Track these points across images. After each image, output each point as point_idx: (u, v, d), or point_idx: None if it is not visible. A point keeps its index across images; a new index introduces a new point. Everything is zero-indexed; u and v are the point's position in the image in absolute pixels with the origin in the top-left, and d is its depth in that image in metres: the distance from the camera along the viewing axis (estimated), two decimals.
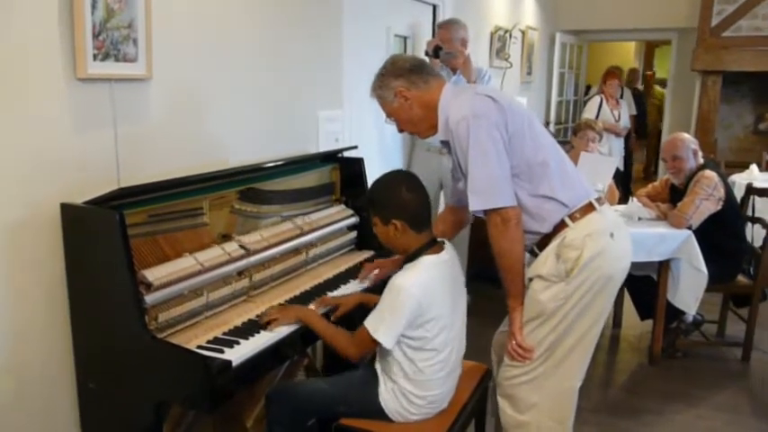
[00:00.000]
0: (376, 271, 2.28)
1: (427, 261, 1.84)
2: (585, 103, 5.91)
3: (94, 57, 1.74)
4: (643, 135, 7.18)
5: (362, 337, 1.81)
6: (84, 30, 1.69)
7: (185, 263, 1.84)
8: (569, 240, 1.88)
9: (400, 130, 2.08)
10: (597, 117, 5.61)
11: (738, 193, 3.80)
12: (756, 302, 3.39)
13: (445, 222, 2.28)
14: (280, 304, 2.05)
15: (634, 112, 6.65)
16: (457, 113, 1.86)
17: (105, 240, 1.64)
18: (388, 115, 2.03)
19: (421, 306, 1.77)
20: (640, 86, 8.62)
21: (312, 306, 2.03)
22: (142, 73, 1.90)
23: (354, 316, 2.00)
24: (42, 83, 1.67)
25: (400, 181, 1.90)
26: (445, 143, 1.97)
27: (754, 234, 3.79)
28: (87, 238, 1.70)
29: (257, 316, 1.94)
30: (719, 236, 3.27)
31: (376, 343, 1.79)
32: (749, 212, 3.79)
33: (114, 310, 1.68)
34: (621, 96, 6.27)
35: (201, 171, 2.01)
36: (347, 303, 2.06)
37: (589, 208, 1.94)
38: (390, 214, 1.84)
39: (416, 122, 1.99)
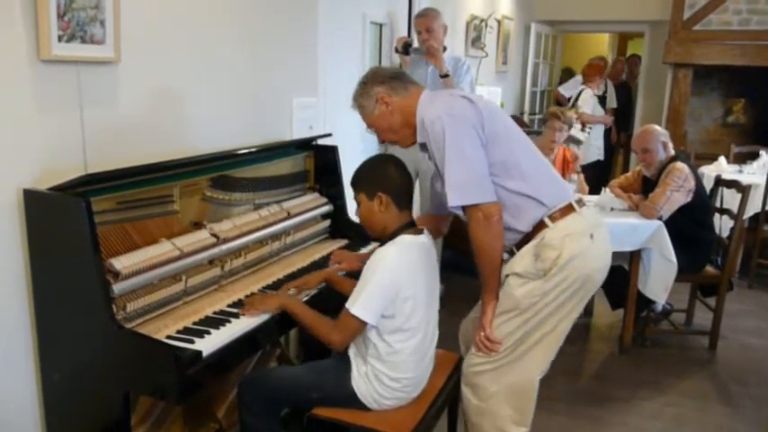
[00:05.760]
0: (337, 265, 2.24)
1: (406, 239, 1.86)
2: (578, 96, 5.84)
3: (59, 38, 1.68)
4: (626, 128, 7.17)
5: (344, 321, 1.80)
6: (48, 9, 1.63)
7: (155, 251, 1.80)
8: (548, 240, 1.89)
9: (381, 141, 2.10)
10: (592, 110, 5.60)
11: (707, 185, 3.87)
12: (723, 292, 3.46)
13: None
14: (260, 291, 2.05)
15: (614, 105, 6.67)
16: (432, 114, 1.88)
17: (71, 228, 1.59)
18: (369, 125, 2.04)
19: (398, 280, 1.78)
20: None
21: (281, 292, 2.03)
22: (110, 56, 1.84)
23: (333, 306, 1.98)
24: (4, 64, 1.60)
25: (387, 159, 1.96)
26: (423, 146, 1.98)
27: (722, 225, 3.87)
28: (52, 226, 1.65)
29: (239, 302, 1.92)
30: (689, 227, 3.32)
31: (358, 326, 1.78)
32: (717, 204, 3.86)
33: (81, 299, 1.64)
34: (606, 91, 6.30)
35: (172, 157, 1.96)
36: (310, 282, 2.09)
37: (569, 209, 1.95)
38: (377, 187, 1.86)
39: (397, 130, 2.00)
